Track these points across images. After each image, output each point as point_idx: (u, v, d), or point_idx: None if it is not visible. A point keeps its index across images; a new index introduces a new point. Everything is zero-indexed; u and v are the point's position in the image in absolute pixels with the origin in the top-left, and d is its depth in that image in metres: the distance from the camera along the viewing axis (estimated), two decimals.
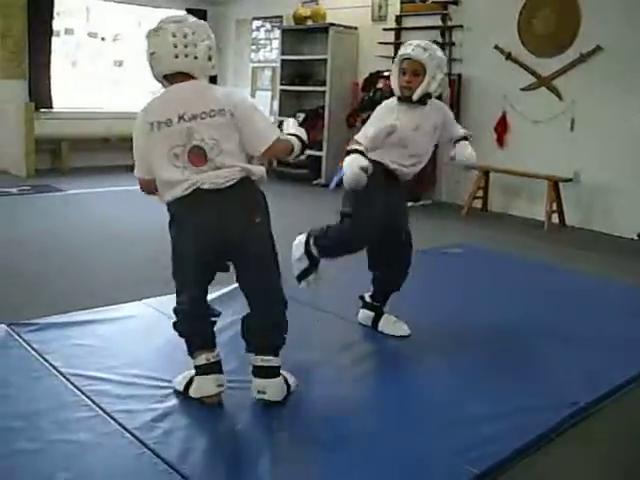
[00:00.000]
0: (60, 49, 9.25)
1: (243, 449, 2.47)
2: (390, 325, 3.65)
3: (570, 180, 6.82)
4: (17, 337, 3.26)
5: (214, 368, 2.74)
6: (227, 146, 2.60)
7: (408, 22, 8.36)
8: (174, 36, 2.58)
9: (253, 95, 10.24)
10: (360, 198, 3.51)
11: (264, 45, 10.04)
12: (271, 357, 2.76)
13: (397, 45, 8.45)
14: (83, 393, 2.74)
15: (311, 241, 3.61)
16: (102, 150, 9.25)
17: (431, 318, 3.87)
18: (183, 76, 2.64)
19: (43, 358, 3.05)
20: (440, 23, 7.97)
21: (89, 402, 2.67)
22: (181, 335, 2.79)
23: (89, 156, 9.17)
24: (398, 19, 8.43)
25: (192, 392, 2.75)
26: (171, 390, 2.82)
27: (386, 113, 3.38)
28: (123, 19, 9.79)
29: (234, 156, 2.62)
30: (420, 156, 3.48)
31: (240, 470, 2.32)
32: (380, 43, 8.48)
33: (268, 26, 9.95)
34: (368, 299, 3.73)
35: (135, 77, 10.15)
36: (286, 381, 2.83)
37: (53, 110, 8.95)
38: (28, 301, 3.86)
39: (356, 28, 8.91)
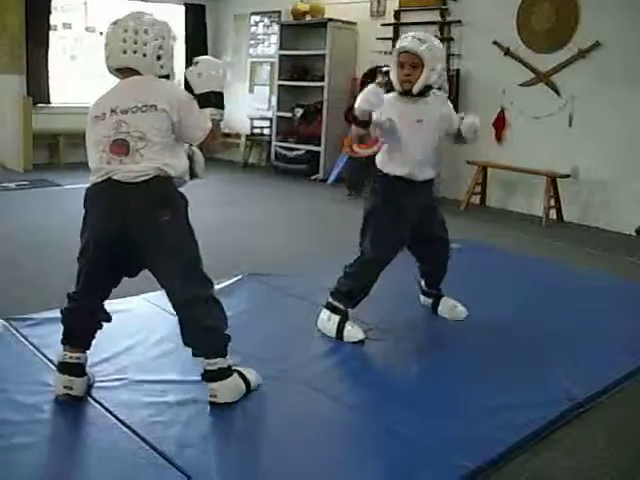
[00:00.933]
0: (58, 44, 9.21)
1: (241, 443, 2.47)
2: (447, 310, 3.81)
3: (568, 176, 6.82)
4: (15, 332, 3.26)
5: (69, 368, 2.67)
6: (154, 141, 2.57)
7: (407, 17, 8.35)
8: (125, 31, 2.61)
9: (251, 90, 10.24)
10: (376, 213, 3.46)
11: (262, 40, 10.03)
12: (216, 359, 2.66)
13: (395, 40, 8.43)
14: None
15: (331, 299, 3.53)
16: None
17: (428, 313, 3.87)
18: (131, 72, 2.66)
19: (41, 353, 3.05)
20: (439, 18, 7.96)
21: (87, 396, 2.67)
22: (62, 322, 2.73)
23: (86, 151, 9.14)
24: (397, 14, 8.42)
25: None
26: (169, 385, 2.82)
27: (387, 106, 3.29)
28: (121, 14, 9.76)
29: (158, 153, 2.57)
30: (425, 152, 3.44)
31: (238, 465, 2.32)
32: (379, 39, 8.47)
33: (267, 21, 9.93)
34: (424, 286, 3.89)
35: None
36: (244, 378, 2.77)
37: (51, 105, 8.93)
38: (26, 296, 3.86)
39: (355, 23, 8.89)
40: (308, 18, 9.17)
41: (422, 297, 3.94)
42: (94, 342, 3.09)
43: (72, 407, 2.60)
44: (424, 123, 3.38)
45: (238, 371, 2.76)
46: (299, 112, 9.11)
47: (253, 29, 10.13)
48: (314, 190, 8.24)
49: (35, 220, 5.78)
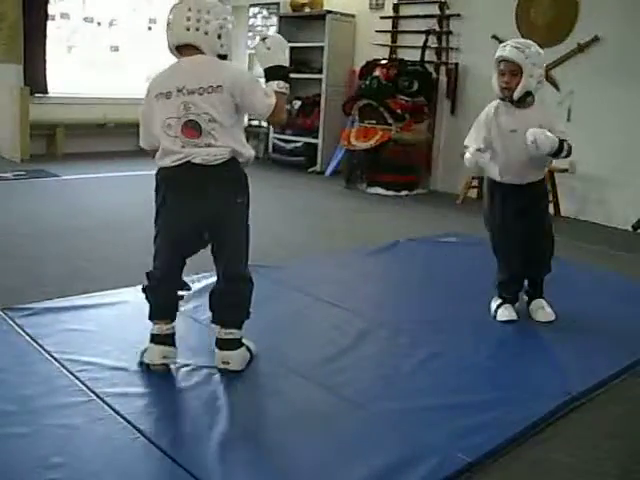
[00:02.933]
0: (55, 34, 9.17)
1: (236, 435, 2.47)
2: (534, 311, 3.81)
3: (566, 170, 6.82)
4: (11, 322, 3.26)
5: (164, 340, 2.86)
6: (222, 122, 2.68)
7: (405, 10, 8.33)
8: (189, 10, 2.71)
9: None
10: (484, 213, 3.82)
11: (261, 32, 9.99)
12: (234, 330, 2.89)
13: (394, 33, 8.43)
14: (77, 378, 2.74)
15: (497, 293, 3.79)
16: (97, 135, 9.23)
17: (425, 306, 3.88)
18: (192, 49, 2.74)
19: (37, 343, 3.04)
20: (437, 12, 7.94)
21: (83, 387, 2.67)
22: (147, 299, 2.90)
23: (84, 141, 9.14)
24: (395, 7, 8.39)
25: (144, 358, 2.87)
26: (165, 375, 2.83)
27: (483, 121, 3.57)
28: (119, 4, 9.74)
29: (227, 134, 2.71)
30: (519, 160, 3.50)
31: (236, 456, 2.32)
32: (377, 31, 8.45)
33: (265, 13, 9.89)
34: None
35: (131, 63, 10.11)
36: (248, 349, 2.98)
37: (48, 95, 8.89)
38: (22, 286, 3.85)
39: (353, 16, 8.87)
40: (307, 10, 9.15)
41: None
42: (90, 332, 3.11)
43: (67, 398, 2.59)
44: (518, 133, 3.44)
45: (243, 343, 2.97)
46: (297, 104, 9.09)
47: (252, 21, 10.09)
48: (312, 182, 8.23)
49: (32, 210, 5.77)
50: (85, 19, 9.46)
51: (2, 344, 3.05)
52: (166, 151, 2.71)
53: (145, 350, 2.89)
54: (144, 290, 2.91)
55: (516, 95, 3.42)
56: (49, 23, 8.81)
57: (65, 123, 8.84)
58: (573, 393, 2.88)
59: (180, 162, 2.68)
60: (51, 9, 8.84)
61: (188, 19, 2.70)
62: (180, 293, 2.96)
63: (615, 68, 6.46)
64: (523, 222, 3.62)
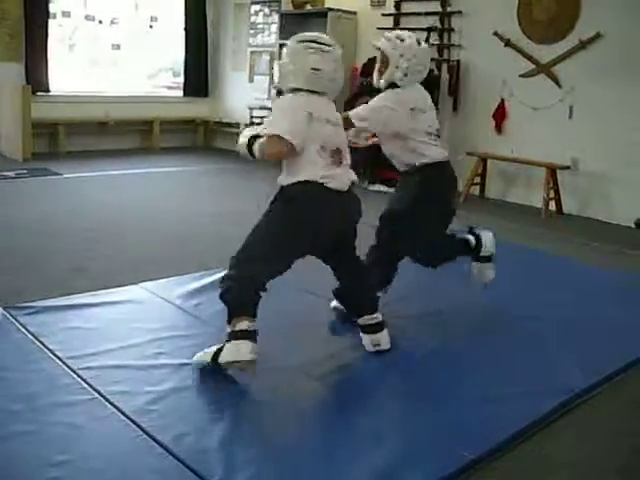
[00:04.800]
0: (57, 32, 9.17)
1: (237, 432, 2.47)
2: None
3: (568, 167, 6.82)
4: (14, 320, 3.26)
5: (252, 335, 2.81)
6: (345, 154, 3.04)
7: (407, 7, 8.31)
8: (336, 61, 3.03)
9: (251, 80, 10.20)
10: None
11: (262, 29, 9.99)
12: (376, 314, 3.21)
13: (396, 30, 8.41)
14: (79, 376, 2.74)
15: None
16: (99, 134, 9.23)
17: (427, 304, 3.88)
18: (315, 93, 2.99)
19: (39, 341, 3.05)
20: (439, 9, 7.93)
21: (85, 385, 2.68)
22: (232, 302, 2.85)
23: (86, 140, 9.14)
24: (397, 4, 8.38)
25: (225, 356, 2.79)
26: (167, 373, 2.83)
27: None
28: (121, 2, 9.73)
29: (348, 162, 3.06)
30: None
31: (235, 452, 2.32)
32: (379, 28, 8.43)
33: (266, 10, 9.89)
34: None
35: (132, 61, 10.11)
36: None
37: (50, 93, 8.89)
38: (24, 284, 3.85)
39: (355, 13, 8.86)
40: (308, 7, 9.13)
41: None
42: (92, 331, 3.11)
43: (69, 396, 2.60)
44: None
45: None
46: None
47: (253, 18, 10.08)
48: None
49: (34, 209, 5.77)
50: (86, 17, 9.44)
51: (5, 342, 3.05)
52: (315, 166, 2.92)
53: (218, 350, 2.82)
54: (228, 291, 2.84)
55: (382, 84, 3.52)
56: (50, 21, 8.81)
57: (67, 121, 8.84)
58: (576, 390, 2.88)
59: (323, 183, 2.91)
60: (52, 7, 8.84)
61: (335, 71, 3.01)
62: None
63: (617, 64, 6.45)
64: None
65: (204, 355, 2.86)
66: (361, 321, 3.22)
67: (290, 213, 2.91)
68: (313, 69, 2.94)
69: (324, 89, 3.00)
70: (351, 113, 3.45)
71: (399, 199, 3.64)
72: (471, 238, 3.77)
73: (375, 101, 3.48)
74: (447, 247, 3.72)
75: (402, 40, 3.48)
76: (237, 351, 2.77)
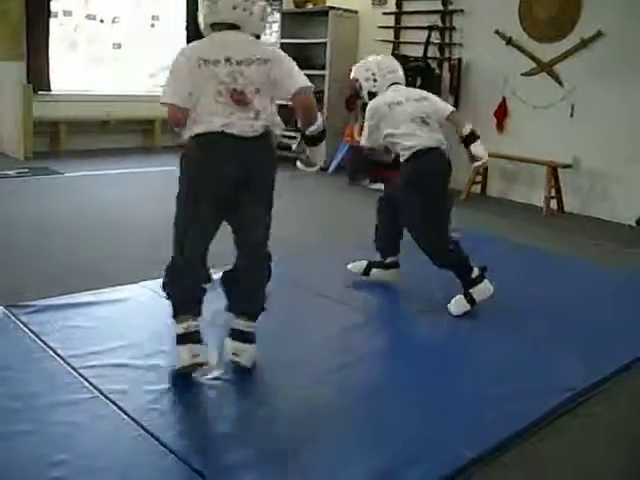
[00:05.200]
0: (58, 31, 9.16)
1: (239, 430, 2.47)
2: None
3: (569, 166, 6.81)
4: (14, 319, 3.26)
5: (192, 338, 2.74)
6: (264, 95, 2.70)
7: (408, 6, 8.31)
8: None
9: None
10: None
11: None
12: (253, 323, 2.87)
13: (397, 29, 8.42)
14: (80, 375, 2.74)
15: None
16: (100, 133, 9.22)
17: (428, 301, 3.88)
18: (232, 28, 2.75)
19: (40, 340, 3.05)
20: (440, 7, 7.92)
21: (86, 384, 2.68)
22: (169, 296, 2.81)
23: (87, 139, 9.14)
24: (398, 3, 8.38)
25: (177, 364, 2.76)
26: (168, 372, 2.82)
27: None
28: (122, 1, 9.72)
29: (266, 107, 2.71)
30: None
31: (236, 451, 2.32)
32: (380, 27, 8.44)
33: (268, 9, 9.87)
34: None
35: (134, 60, 10.10)
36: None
37: (51, 92, 8.88)
38: (25, 283, 3.85)
39: (356, 12, 8.86)
40: (310, 6, 9.15)
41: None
42: (93, 329, 3.10)
43: (70, 395, 2.60)
44: None
45: None
46: None
47: None
48: (315, 178, 8.21)
49: (35, 207, 5.77)
50: (88, 16, 9.44)
51: (6, 341, 3.05)
52: (212, 115, 2.65)
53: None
54: (164, 286, 2.84)
55: (366, 99, 3.90)
56: (52, 20, 8.80)
57: (68, 120, 8.83)
58: (578, 389, 2.88)
59: (221, 129, 2.63)
60: (54, 6, 8.83)
61: None
62: (204, 285, 2.85)
63: (619, 63, 6.44)
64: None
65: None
66: (233, 323, 2.89)
67: (182, 173, 2.76)
68: (208, 1, 2.76)
69: (227, 19, 2.74)
70: (362, 143, 3.87)
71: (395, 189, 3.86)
72: (476, 270, 3.75)
73: (365, 125, 3.85)
74: (449, 244, 3.71)
75: (357, 63, 3.97)
76: (179, 358, 2.74)
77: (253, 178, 2.72)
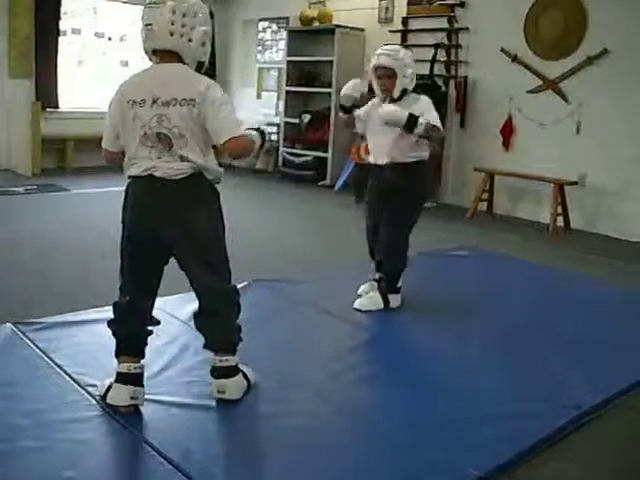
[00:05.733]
0: (67, 49, 9.25)
1: (247, 449, 2.47)
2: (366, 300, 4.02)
3: (575, 183, 6.82)
4: (22, 336, 3.27)
5: (133, 379, 2.67)
6: (191, 139, 2.56)
7: (414, 24, 8.35)
8: (173, 13, 2.54)
9: (259, 96, 10.25)
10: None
11: (270, 46, 10.05)
12: (228, 357, 2.77)
13: (404, 47, 8.44)
14: (87, 392, 2.75)
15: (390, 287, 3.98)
16: None
17: (435, 320, 3.87)
18: (172, 55, 2.61)
19: (48, 357, 3.05)
20: (446, 25, 7.97)
21: (93, 401, 2.68)
22: (113, 334, 2.74)
23: (95, 156, 9.05)
24: (404, 21, 8.42)
25: (108, 399, 2.66)
26: (175, 389, 2.82)
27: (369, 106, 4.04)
28: (130, 19, 9.82)
29: (195, 152, 2.58)
30: (387, 143, 3.86)
31: (243, 470, 2.32)
32: (387, 45, 8.47)
33: (274, 27, 9.95)
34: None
35: None
36: (245, 377, 2.85)
37: (59, 110, 8.96)
38: (33, 300, 3.87)
39: (362, 30, 8.91)
40: (316, 24, 9.19)
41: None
42: (101, 347, 3.10)
43: (78, 412, 2.60)
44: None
45: (241, 369, 2.84)
46: (306, 118, 9.10)
47: (261, 35, 10.15)
48: (321, 196, 8.24)
49: (43, 224, 5.80)
50: (96, 34, 9.53)
51: (14, 358, 3.06)
52: (139, 159, 2.59)
53: (109, 388, 2.68)
54: (109, 323, 2.75)
55: (395, 94, 3.83)
56: (60, 38, 8.89)
57: (76, 137, 8.89)
58: (584, 408, 2.86)
59: (145, 173, 2.56)
60: (63, 25, 8.92)
61: (172, 23, 2.54)
62: (149, 328, 2.78)
63: (624, 80, 6.46)
64: (385, 204, 3.93)
65: (101, 387, 2.75)
66: (211, 361, 2.79)
67: (122, 213, 2.69)
68: (146, 25, 2.61)
69: (164, 46, 2.59)
70: (438, 124, 3.81)
71: None
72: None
73: (433, 110, 3.85)
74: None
75: (398, 52, 3.89)
76: (114, 396, 2.65)
77: (178, 223, 2.60)
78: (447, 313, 4.00)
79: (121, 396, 2.64)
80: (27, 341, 3.22)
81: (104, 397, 2.68)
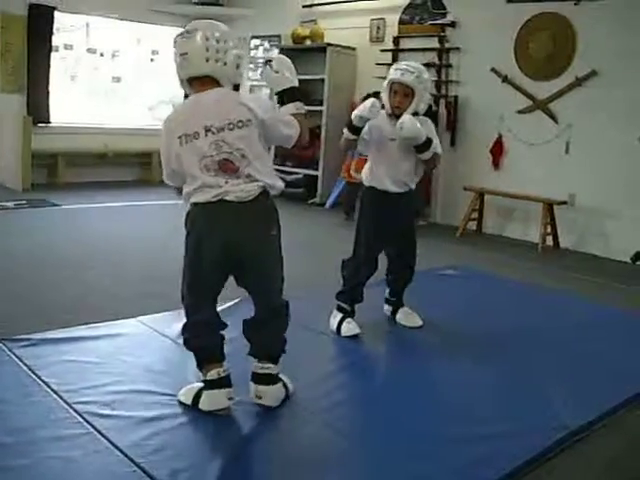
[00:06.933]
0: (59, 64, 9.26)
1: (235, 469, 2.46)
2: (403, 316, 4.05)
3: (565, 203, 6.85)
4: (9, 353, 3.25)
5: (226, 382, 2.80)
6: (252, 157, 2.68)
7: (405, 43, 8.41)
8: (207, 39, 2.66)
9: None
10: (358, 220, 3.92)
11: (263, 59, 10.07)
12: (270, 365, 2.87)
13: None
14: (74, 410, 2.73)
15: (337, 299, 3.95)
16: (98, 165, 9.27)
17: (424, 339, 3.88)
18: (210, 81, 2.71)
19: (35, 374, 3.04)
20: (437, 45, 8.03)
21: (80, 419, 2.67)
22: (194, 351, 2.86)
23: (85, 171, 9.19)
24: (396, 40, 8.48)
25: (203, 405, 2.79)
26: (162, 408, 2.81)
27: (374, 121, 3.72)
28: (122, 36, 9.84)
29: (258, 168, 2.70)
30: (395, 166, 3.73)
31: None
32: (378, 64, 8.52)
33: (266, 45, 9.99)
34: (387, 294, 4.15)
35: (132, 93, 10.19)
36: (285, 386, 2.95)
37: (51, 125, 8.96)
38: (21, 316, 3.85)
39: (354, 49, 8.96)
40: (308, 42, 9.23)
41: (385, 305, 4.18)
42: (89, 364, 3.10)
43: (64, 430, 2.59)
44: (397, 141, 3.68)
45: (281, 379, 2.95)
46: None
47: (253, 52, 10.18)
48: (312, 214, 8.25)
49: (32, 239, 5.78)
50: (88, 50, 9.55)
51: (1, 375, 3.04)
52: (206, 187, 2.66)
53: (197, 395, 2.82)
54: (185, 342, 2.88)
55: (407, 114, 3.61)
56: (53, 54, 8.90)
57: (67, 152, 8.89)
58: (571, 427, 2.86)
59: (217, 198, 2.64)
60: (55, 40, 8.93)
61: (207, 49, 2.65)
62: (222, 333, 2.89)
63: (613, 101, 6.52)
64: (395, 230, 3.85)
65: (185, 396, 2.86)
66: (254, 367, 2.90)
67: (187, 237, 2.78)
68: (181, 54, 2.70)
69: (201, 72, 2.70)
70: (439, 152, 3.79)
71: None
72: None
73: (433, 133, 3.78)
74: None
75: (422, 72, 3.67)
76: (212, 401, 2.79)
77: (253, 241, 2.73)
78: (436, 332, 4.01)
79: (220, 400, 2.79)
80: (14, 358, 3.20)
81: (194, 405, 2.80)
